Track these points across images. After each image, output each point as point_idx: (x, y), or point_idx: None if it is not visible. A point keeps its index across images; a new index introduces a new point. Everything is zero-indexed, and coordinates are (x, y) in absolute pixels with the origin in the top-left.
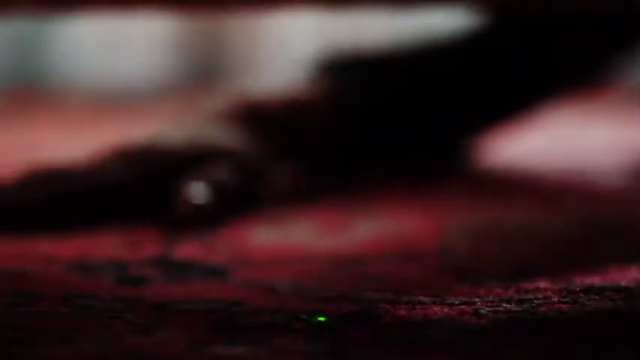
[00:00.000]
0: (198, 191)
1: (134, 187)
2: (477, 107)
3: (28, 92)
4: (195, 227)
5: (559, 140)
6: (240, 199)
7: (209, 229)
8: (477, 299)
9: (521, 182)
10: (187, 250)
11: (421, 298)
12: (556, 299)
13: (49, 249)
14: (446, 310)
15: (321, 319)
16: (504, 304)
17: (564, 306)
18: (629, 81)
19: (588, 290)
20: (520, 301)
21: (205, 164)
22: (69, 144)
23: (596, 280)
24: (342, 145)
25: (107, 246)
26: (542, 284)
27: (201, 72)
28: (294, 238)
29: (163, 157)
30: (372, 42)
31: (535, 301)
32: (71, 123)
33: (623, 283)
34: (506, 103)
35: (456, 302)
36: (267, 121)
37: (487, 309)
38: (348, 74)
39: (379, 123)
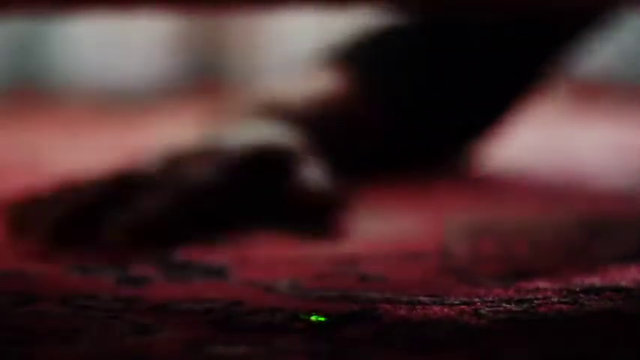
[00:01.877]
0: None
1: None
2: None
3: (28, 92)
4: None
5: (558, 141)
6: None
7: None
8: (476, 299)
9: (520, 183)
10: (187, 250)
11: (421, 298)
12: (556, 299)
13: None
14: (446, 310)
15: (321, 319)
16: (504, 304)
17: (564, 306)
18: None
19: (588, 290)
20: (520, 301)
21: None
22: (69, 144)
23: (596, 280)
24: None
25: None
26: (542, 284)
27: (201, 72)
28: (295, 238)
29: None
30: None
31: (535, 301)
32: (71, 123)
33: (623, 283)
34: (495, 103)
35: (456, 302)
36: (295, 119)
37: (487, 309)
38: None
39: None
